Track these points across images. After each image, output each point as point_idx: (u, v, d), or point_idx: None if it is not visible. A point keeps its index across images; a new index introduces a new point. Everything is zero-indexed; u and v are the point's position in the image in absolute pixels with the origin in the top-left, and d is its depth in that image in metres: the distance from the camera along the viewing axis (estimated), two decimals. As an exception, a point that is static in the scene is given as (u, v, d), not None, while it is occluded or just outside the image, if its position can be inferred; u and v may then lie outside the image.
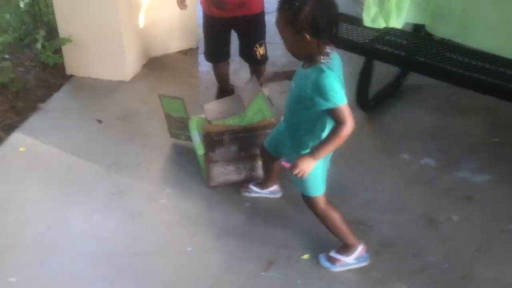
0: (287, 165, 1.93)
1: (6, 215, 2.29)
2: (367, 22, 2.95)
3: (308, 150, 1.83)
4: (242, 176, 2.48)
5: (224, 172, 2.43)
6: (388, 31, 2.89)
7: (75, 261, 2.07)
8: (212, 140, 2.32)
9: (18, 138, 2.82)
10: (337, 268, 2.06)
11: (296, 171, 1.77)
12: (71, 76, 3.46)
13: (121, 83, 3.38)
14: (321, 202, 1.99)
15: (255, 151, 2.40)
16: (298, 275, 2.05)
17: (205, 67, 3.55)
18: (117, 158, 2.68)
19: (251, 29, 2.81)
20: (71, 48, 3.32)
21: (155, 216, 2.33)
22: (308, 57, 1.73)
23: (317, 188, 1.96)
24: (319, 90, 1.68)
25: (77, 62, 3.41)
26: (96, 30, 3.23)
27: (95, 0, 3.10)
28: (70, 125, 2.95)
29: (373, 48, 2.78)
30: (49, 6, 3.26)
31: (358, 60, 2.93)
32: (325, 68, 1.69)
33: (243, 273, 2.05)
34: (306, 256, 2.14)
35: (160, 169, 2.64)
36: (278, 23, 1.69)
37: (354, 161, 2.73)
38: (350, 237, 2.05)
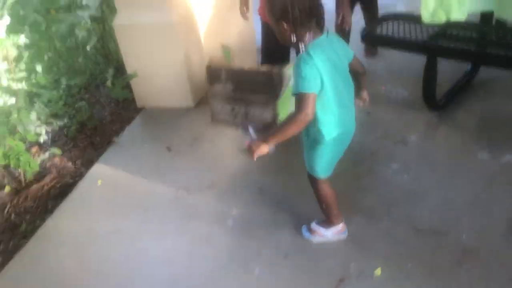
0: (246, 143, 1.88)
1: (88, 247, 2.43)
2: (426, 17, 2.79)
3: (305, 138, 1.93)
4: (237, 120, 2.61)
5: (222, 111, 2.63)
6: (451, 25, 2.72)
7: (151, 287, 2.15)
8: (211, 73, 2.57)
9: (96, 172, 3.01)
10: (315, 239, 2.19)
11: (247, 152, 1.79)
12: (141, 108, 3.65)
13: (187, 109, 3.50)
14: (322, 183, 2.05)
15: (250, 96, 2.49)
16: (372, 291, 1.96)
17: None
18: (186, 183, 2.76)
19: None
20: (139, 82, 3.51)
21: (223, 238, 2.35)
22: (294, 45, 1.75)
23: (321, 171, 2.00)
24: (294, 76, 1.72)
25: (145, 95, 3.59)
26: (160, 63, 3.38)
27: (156, 36, 3.25)
28: (142, 155, 3.09)
29: (435, 45, 2.63)
30: (118, 45, 3.47)
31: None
32: (303, 55, 1.70)
33: (313, 291, 2.00)
34: (378, 271, 2.04)
35: (227, 190, 2.67)
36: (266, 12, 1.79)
37: (427, 164, 2.60)
38: (336, 216, 2.15)
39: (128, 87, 3.63)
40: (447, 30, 2.71)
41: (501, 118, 2.82)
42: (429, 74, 2.75)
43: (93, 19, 3.58)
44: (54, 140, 3.47)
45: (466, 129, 2.84)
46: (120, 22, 3.31)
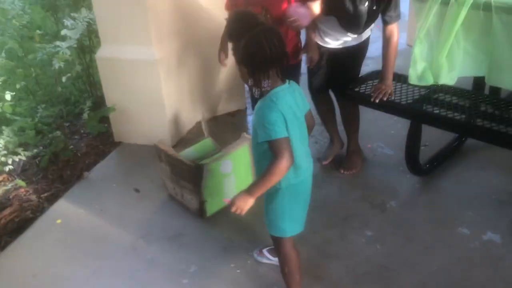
0: (227, 201, 1.82)
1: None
2: (413, 79, 2.70)
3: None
4: (178, 198, 2.73)
5: (169, 187, 2.78)
6: (439, 89, 2.60)
7: None
8: (156, 152, 2.77)
9: (58, 209, 2.85)
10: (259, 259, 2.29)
11: (233, 209, 1.73)
12: (119, 143, 3.52)
13: (164, 149, 3.36)
14: (286, 244, 1.92)
15: (181, 181, 2.61)
16: None
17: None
18: (148, 230, 2.61)
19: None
20: (117, 116, 3.40)
21: (175, 299, 2.18)
22: (250, 87, 1.79)
23: (281, 228, 1.88)
24: (258, 121, 1.70)
25: (124, 129, 3.47)
26: (140, 99, 3.28)
27: (137, 72, 3.15)
28: (108, 195, 2.95)
29: (419, 110, 2.49)
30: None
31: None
32: (266, 100, 1.71)
33: None
34: None
35: (188, 244, 2.50)
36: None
37: (403, 236, 2.43)
38: (297, 284, 2.00)
39: (107, 120, 3.51)
40: (435, 94, 2.58)
41: (488, 193, 2.66)
42: (412, 139, 2.61)
43: (79, 49, 3.51)
44: (25, 169, 3.33)
45: (449, 200, 2.68)
46: (103, 55, 3.22)
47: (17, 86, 2.89)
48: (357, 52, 2.74)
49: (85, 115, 3.23)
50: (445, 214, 2.58)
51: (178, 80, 3.39)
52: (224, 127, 3.65)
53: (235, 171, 2.63)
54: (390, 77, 2.63)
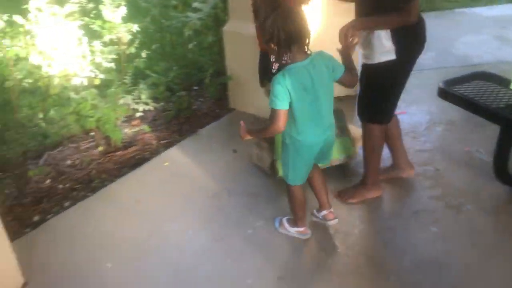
0: (242, 123, 2.29)
1: (130, 216, 2.78)
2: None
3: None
4: (257, 161, 3.04)
5: (254, 153, 3.06)
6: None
7: (157, 268, 2.39)
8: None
9: (169, 154, 3.37)
10: (280, 230, 2.53)
11: (239, 132, 2.26)
12: (233, 109, 3.94)
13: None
14: (293, 189, 2.34)
15: (263, 143, 2.91)
16: None
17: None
18: (232, 185, 2.96)
19: None
20: (235, 86, 3.80)
21: (238, 243, 2.49)
22: (275, 62, 2.06)
23: (286, 174, 2.32)
24: (270, 92, 2.02)
25: (238, 98, 3.87)
26: (257, 73, 3.62)
27: (256, 48, 3.48)
28: (211, 151, 3.37)
29: (510, 116, 2.38)
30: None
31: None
32: (279, 74, 2.00)
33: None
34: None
35: (262, 202, 2.79)
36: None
37: (469, 241, 2.39)
38: (300, 219, 2.45)
39: (226, 88, 3.94)
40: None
41: None
42: (501, 146, 2.51)
43: (213, 21, 3.97)
44: (154, 119, 3.95)
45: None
46: (229, 29, 3.62)
47: (153, 47, 3.45)
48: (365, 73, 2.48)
49: (207, 80, 3.68)
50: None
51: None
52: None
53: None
54: (360, 19, 2.31)
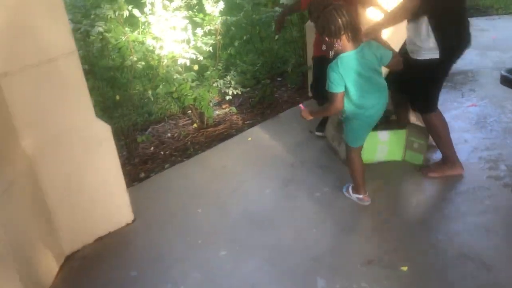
0: (301, 106, 2.71)
1: (218, 175, 3.30)
2: None
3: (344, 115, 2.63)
4: (335, 145, 3.38)
5: (331, 134, 3.46)
6: None
7: (237, 216, 2.87)
8: None
9: (252, 132, 3.87)
10: (345, 194, 2.89)
11: (302, 114, 2.69)
12: (311, 97, 4.35)
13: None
14: (353, 153, 2.71)
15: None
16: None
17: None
18: (306, 158, 3.38)
19: None
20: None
21: (307, 202, 2.90)
22: (328, 50, 2.48)
23: (351, 140, 2.69)
24: (327, 77, 2.46)
25: (316, 87, 4.27)
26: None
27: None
28: (289, 131, 3.80)
29: None
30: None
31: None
32: (333, 62, 2.44)
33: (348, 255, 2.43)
34: (405, 268, 2.32)
35: (330, 174, 3.17)
36: None
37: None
38: (359, 186, 2.79)
39: (305, 78, 4.37)
40: None
41: None
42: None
43: (299, 17, 4.42)
44: (241, 103, 4.48)
45: None
46: (311, 24, 4.04)
47: (244, 37, 3.97)
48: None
49: (289, 69, 4.14)
50: None
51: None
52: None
53: (390, 143, 3.14)
54: (369, 28, 2.61)
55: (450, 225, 2.60)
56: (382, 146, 3.15)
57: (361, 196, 2.82)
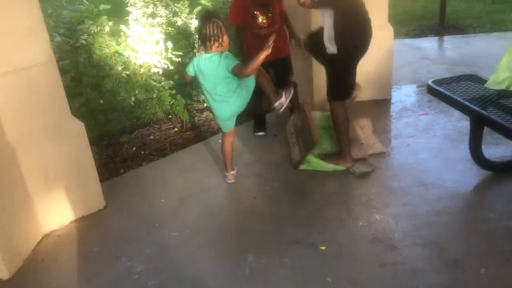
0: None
1: (183, 177, 3.73)
2: (491, 84, 3.08)
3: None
4: (290, 145, 3.79)
5: (290, 133, 3.87)
6: (507, 93, 2.93)
7: (197, 205, 3.28)
8: (301, 106, 4.00)
9: (224, 136, 4.29)
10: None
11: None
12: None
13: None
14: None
15: (301, 139, 3.65)
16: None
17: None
18: (263, 156, 3.78)
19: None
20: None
21: (257, 196, 3.30)
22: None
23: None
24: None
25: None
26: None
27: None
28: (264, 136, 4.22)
29: (480, 113, 2.84)
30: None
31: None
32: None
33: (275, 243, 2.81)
34: (323, 248, 2.69)
35: (286, 167, 3.56)
36: None
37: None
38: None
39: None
40: (500, 98, 2.93)
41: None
42: (474, 136, 3.00)
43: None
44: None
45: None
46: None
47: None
48: None
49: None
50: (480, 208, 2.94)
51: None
52: (366, 111, 4.45)
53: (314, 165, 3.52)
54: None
55: (372, 214, 2.96)
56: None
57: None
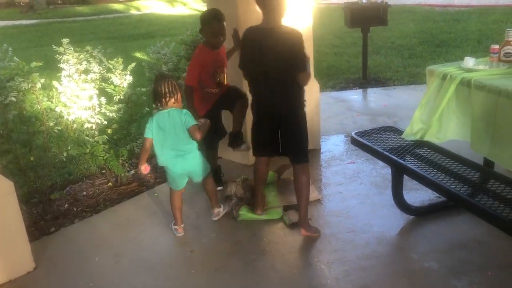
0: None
1: (123, 231, 3.68)
2: (407, 135, 3.37)
3: None
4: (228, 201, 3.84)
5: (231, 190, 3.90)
6: (421, 143, 3.23)
7: (133, 261, 3.23)
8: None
9: (159, 188, 4.29)
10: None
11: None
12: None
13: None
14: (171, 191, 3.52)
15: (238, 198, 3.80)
16: None
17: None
18: (199, 209, 3.81)
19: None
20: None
21: (196, 248, 3.32)
22: None
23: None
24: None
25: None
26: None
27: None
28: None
29: (398, 162, 3.11)
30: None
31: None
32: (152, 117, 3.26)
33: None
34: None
35: (224, 221, 3.62)
36: None
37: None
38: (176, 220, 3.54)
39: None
40: (418, 148, 3.21)
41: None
42: (395, 184, 3.25)
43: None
44: (155, 164, 4.91)
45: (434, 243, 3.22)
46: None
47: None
48: None
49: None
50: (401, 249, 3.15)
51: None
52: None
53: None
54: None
55: (306, 261, 3.07)
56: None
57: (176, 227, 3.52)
